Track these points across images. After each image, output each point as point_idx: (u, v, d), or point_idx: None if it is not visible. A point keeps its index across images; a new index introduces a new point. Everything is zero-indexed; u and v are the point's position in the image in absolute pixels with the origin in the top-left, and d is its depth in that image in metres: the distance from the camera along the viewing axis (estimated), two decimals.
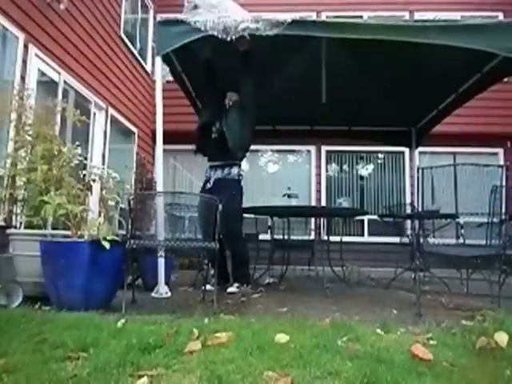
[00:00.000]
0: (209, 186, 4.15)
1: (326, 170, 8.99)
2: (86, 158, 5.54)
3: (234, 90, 4.27)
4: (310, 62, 4.28)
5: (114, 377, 1.53)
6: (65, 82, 5.48)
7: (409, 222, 6.46)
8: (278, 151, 9.01)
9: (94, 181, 3.71)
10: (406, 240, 5.50)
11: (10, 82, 4.40)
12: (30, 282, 2.96)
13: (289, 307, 3.12)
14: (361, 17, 8.19)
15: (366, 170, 9.15)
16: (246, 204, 4.36)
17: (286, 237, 4.97)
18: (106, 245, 2.71)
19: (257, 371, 1.59)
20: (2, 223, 3.59)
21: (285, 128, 6.23)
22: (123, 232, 3.22)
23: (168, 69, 4.03)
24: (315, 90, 4.23)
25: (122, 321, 2.28)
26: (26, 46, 4.67)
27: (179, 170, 8.98)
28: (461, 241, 5.08)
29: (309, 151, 8.98)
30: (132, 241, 2.87)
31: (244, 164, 4.55)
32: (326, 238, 4.90)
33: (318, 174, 8.90)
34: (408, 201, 8.17)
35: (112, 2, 6.95)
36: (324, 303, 3.44)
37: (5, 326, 2.15)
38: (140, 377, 1.54)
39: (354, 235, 8.39)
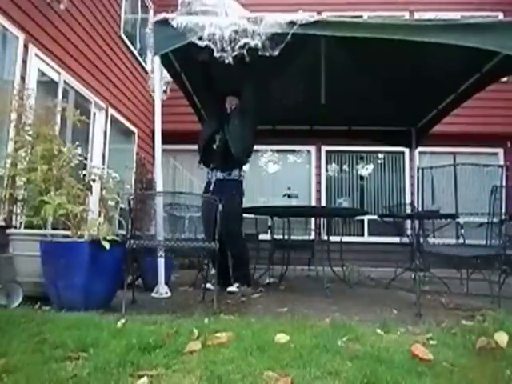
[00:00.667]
0: (211, 187, 4.16)
1: (326, 170, 8.99)
2: (86, 158, 5.54)
3: (234, 94, 4.26)
4: (310, 62, 4.29)
5: (113, 377, 1.53)
6: (65, 82, 5.48)
7: (409, 222, 6.47)
8: (278, 151, 9.01)
9: (94, 181, 3.71)
10: (406, 240, 5.50)
11: (10, 82, 4.39)
12: (29, 282, 2.96)
13: (289, 307, 3.12)
14: (361, 17, 8.18)
15: (365, 169, 9.16)
16: (246, 204, 4.36)
17: (286, 237, 4.97)
18: (106, 245, 2.71)
19: (257, 371, 1.59)
20: (2, 223, 3.59)
21: (285, 128, 6.23)
22: (123, 232, 3.22)
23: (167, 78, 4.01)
24: (315, 90, 4.23)
25: (122, 321, 2.28)
26: (25, 46, 4.67)
27: (179, 170, 8.98)
28: (461, 241, 5.08)
29: (309, 151, 8.98)
30: (132, 241, 2.87)
31: None
32: (326, 238, 4.90)
33: (318, 174, 8.90)
34: (408, 201, 8.17)
35: (112, 2, 6.95)
36: (324, 303, 3.44)
37: (5, 326, 2.15)
38: (140, 377, 1.54)
39: (353, 235, 8.40)
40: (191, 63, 4.18)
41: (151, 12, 8.51)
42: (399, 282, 4.73)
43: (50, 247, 2.83)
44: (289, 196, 5.18)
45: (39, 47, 4.91)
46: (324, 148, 8.88)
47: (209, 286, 3.71)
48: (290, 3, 8.65)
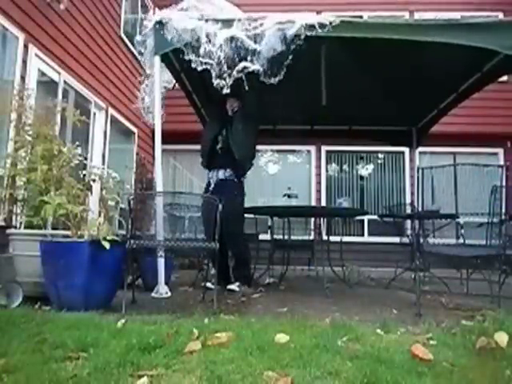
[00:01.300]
0: (211, 187, 4.16)
1: (326, 170, 8.99)
2: (86, 158, 5.54)
3: (235, 96, 4.25)
4: (311, 62, 4.28)
5: (113, 377, 1.53)
6: (65, 82, 5.48)
7: (409, 222, 6.47)
8: (278, 151, 9.01)
9: (94, 181, 3.71)
10: (406, 240, 5.51)
11: (10, 82, 4.39)
12: (30, 282, 2.96)
13: (289, 307, 3.13)
14: (361, 17, 8.18)
15: (365, 169, 9.16)
16: (246, 204, 4.37)
17: (286, 237, 4.97)
18: (106, 245, 2.71)
19: (257, 371, 1.59)
20: (2, 223, 3.59)
21: (285, 128, 6.23)
22: (123, 232, 3.22)
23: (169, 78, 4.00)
24: (316, 90, 4.22)
25: (122, 321, 2.28)
26: (26, 46, 4.67)
27: (179, 169, 8.98)
28: (461, 241, 5.08)
29: (309, 151, 8.98)
30: (132, 241, 2.87)
31: None
32: (325, 237, 4.90)
33: (318, 174, 8.90)
34: (408, 201, 8.17)
35: (112, 2, 6.95)
36: (324, 303, 3.44)
37: (5, 326, 2.15)
38: (140, 377, 1.54)
39: (353, 235, 8.40)
40: (191, 63, 4.18)
41: (151, 12, 8.50)
42: (399, 282, 4.73)
43: (50, 247, 2.83)
44: (289, 196, 5.18)
45: (39, 47, 4.91)
46: (324, 148, 8.88)
47: (209, 284, 3.72)
48: (291, 3, 8.67)
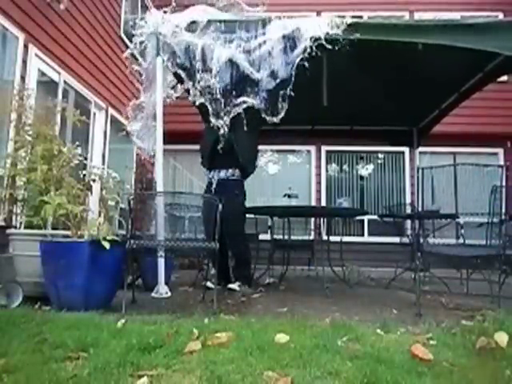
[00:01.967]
0: (212, 187, 4.16)
1: (326, 170, 8.99)
2: (86, 158, 5.54)
3: None
4: (312, 63, 4.27)
5: (113, 377, 1.53)
6: (65, 82, 5.48)
7: (409, 222, 6.47)
8: (278, 151, 9.00)
9: (94, 181, 3.71)
10: (406, 240, 5.51)
11: (10, 82, 4.40)
12: (30, 282, 2.96)
13: (289, 307, 3.12)
14: (361, 17, 8.19)
15: (365, 169, 9.15)
16: (246, 204, 4.36)
17: (286, 237, 4.97)
18: (106, 245, 2.71)
19: (257, 371, 1.59)
20: (2, 223, 3.59)
21: (286, 128, 6.22)
22: (123, 232, 3.22)
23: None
24: (317, 91, 4.22)
25: (122, 321, 2.28)
26: (26, 46, 4.67)
27: (179, 170, 8.98)
28: (461, 241, 5.08)
29: (309, 151, 8.98)
30: (132, 241, 2.87)
31: None
32: (326, 237, 4.90)
33: (318, 174, 8.90)
34: (408, 201, 8.18)
35: (112, 2, 6.95)
36: (324, 303, 3.44)
37: (5, 326, 2.15)
38: (140, 377, 1.54)
39: (354, 235, 8.40)
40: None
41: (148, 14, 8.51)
42: (399, 282, 4.73)
43: (50, 247, 2.83)
44: (289, 196, 5.17)
45: (39, 47, 4.92)
46: (324, 148, 8.88)
47: (209, 284, 3.72)
48: (291, 3, 8.67)
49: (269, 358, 1.73)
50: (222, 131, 3.31)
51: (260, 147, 4.84)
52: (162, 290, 3.52)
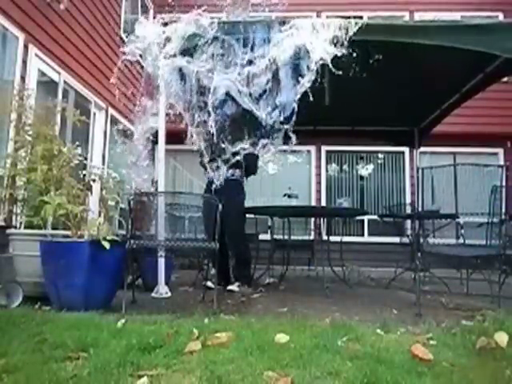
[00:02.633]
0: (212, 186, 4.16)
1: (326, 170, 8.99)
2: (86, 158, 5.54)
3: None
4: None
5: (113, 377, 1.53)
6: (65, 82, 5.48)
7: (409, 222, 6.47)
8: (278, 151, 8.99)
9: (94, 181, 3.71)
10: (406, 240, 5.51)
11: (10, 82, 4.40)
12: (30, 282, 2.96)
13: (289, 307, 3.13)
14: (361, 17, 8.18)
15: (366, 170, 9.15)
16: (246, 204, 4.37)
17: (286, 237, 4.97)
18: (106, 245, 2.71)
19: (257, 371, 1.59)
20: (2, 223, 3.59)
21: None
22: (123, 232, 3.22)
23: None
24: (318, 91, 4.21)
25: (122, 321, 2.28)
26: (26, 46, 4.67)
27: (179, 170, 8.98)
28: (461, 241, 5.08)
29: (309, 151, 8.98)
30: (132, 241, 2.87)
31: None
32: (326, 237, 4.90)
33: (318, 174, 8.90)
34: (408, 201, 8.18)
35: (112, 2, 6.95)
36: (324, 303, 3.44)
37: (5, 325, 2.15)
38: (140, 377, 1.54)
39: (354, 235, 8.39)
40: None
41: (151, 12, 8.52)
42: (399, 282, 4.73)
43: (50, 247, 2.83)
44: (289, 196, 5.17)
45: (39, 47, 4.91)
46: (324, 148, 8.88)
47: (209, 284, 3.72)
48: (290, 3, 8.66)
49: (269, 358, 1.73)
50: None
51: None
52: (162, 289, 3.52)
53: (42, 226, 3.15)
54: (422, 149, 6.73)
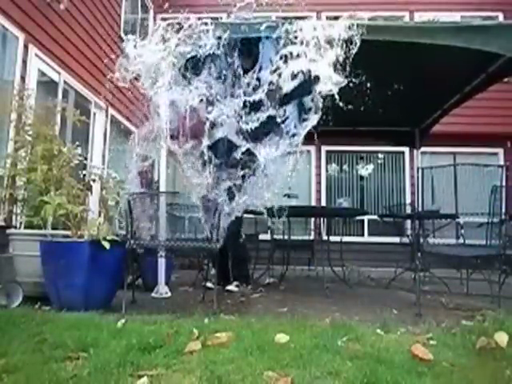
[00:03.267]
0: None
1: (326, 170, 8.98)
2: (86, 158, 5.54)
3: None
4: None
5: (113, 377, 1.53)
6: (65, 82, 5.48)
7: (409, 222, 6.47)
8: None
9: (94, 181, 3.71)
10: (406, 240, 5.50)
11: (10, 82, 4.39)
12: (29, 282, 2.96)
13: (289, 307, 3.13)
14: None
15: (366, 170, 9.14)
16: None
17: (286, 237, 4.97)
18: (106, 245, 2.71)
19: (257, 371, 1.59)
20: (2, 223, 3.59)
21: None
22: (123, 232, 3.22)
23: None
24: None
25: (122, 321, 2.28)
26: (26, 46, 4.67)
27: (179, 170, 8.97)
28: (461, 241, 5.08)
29: (309, 151, 8.97)
30: (132, 241, 2.87)
31: None
32: (326, 238, 4.89)
33: (318, 174, 8.89)
34: (408, 201, 8.17)
35: (112, 2, 6.95)
36: (324, 303, 3.44)
37: (5, 326, 2.15)
38: (140, 377, 1.54)
39: (354, 235, 8.39)
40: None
41: (151, 12, 8.52)
42: (399, 282, 4.73)
43: (50, 247, 2.83)
44: (289, 196, 5.17)
45: (39, 47, 4.91)
46: (324, 148, 8.88)
47: (209, 284, 3.72)
48: (290, 3, 8.65)
49: (269, 358, 1.73)
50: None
51: None
52: (162, 290, 3.53)
53: (41, 226, 3.15)
54: (422, 149, 6.73)
